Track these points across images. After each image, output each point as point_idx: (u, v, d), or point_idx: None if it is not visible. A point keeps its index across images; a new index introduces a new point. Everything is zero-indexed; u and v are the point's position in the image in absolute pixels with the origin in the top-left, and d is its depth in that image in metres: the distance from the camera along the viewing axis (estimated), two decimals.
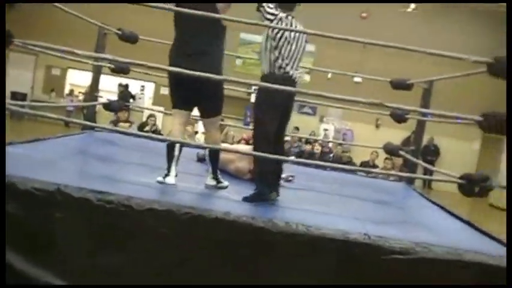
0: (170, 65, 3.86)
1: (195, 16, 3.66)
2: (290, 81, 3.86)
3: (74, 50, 3.49)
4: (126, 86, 16.74)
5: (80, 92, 17.35)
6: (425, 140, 14.59)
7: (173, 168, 3.87)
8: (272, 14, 3.83)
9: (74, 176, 3.57)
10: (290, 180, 5.12)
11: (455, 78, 4.93)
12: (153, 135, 7.44)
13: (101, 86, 6.36)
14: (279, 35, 3.85)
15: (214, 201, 3.61)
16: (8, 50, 3.30)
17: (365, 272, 3.07)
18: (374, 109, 6.49)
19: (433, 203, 5.11)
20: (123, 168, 4.42)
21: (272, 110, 3.85)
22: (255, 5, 3.93)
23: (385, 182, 6.42)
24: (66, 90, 18.13)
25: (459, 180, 3.43)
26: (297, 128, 16.03)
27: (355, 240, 3.07)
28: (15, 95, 15.68)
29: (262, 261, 3.08)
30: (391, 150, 6.09)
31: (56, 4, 4.15)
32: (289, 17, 3.91)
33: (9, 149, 3.46)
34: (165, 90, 11.39)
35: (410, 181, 6.15)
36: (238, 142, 9.36)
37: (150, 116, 11.78)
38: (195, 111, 4.20)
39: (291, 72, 3.89)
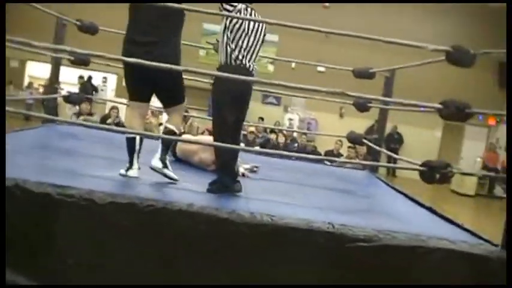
0: (123, 54, 3.77)
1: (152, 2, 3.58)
2: (246, 72, 3.82)
3: (31, 42, 3.39)
4: (90, 78, 16.51)
5: (39, 85, 16.98)
6: (389, 129, 14.82)
7: (135, 161, 3.82)
8: (231, 5, 3.79)
9: (33, 170, 3.49)
10: (255, 171, 5.12)
11: (416, 67, 4.99)
12: (115, 128, 7.34)
13: (62, 79, 6.24)
14: (237, 26, 3.80)
15: (178, 194, 3.57)
16: None
17: (330, 260, 3.09)
18: (337, 98, 6.54)
19: (397, 190, 5.19)
20: (85, 161, 4.34)
21: (229, 101, 3.81)
22: None
23: (349, 171, 6.48)
24: (25, 83, 17.72)
25: (420, 168, 3.48)
26: (261, 118, 16.07)
27: (319, 229, 3.08)
28: None
29: (227, 252, 3.07)
30: (354, 139, 6.14)
31: None
32: (249, 9, 3.87)
33: None
34: None
35: (374, 169, 6.21)
36: (202, 133, 9.31)
37: (113, 108, 11.61)
38: (159, 103, 4.15)
39: (248, 64, 3.86)
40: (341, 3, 16.65)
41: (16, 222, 2.97)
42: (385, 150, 6.05)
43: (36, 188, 3.00)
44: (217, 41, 4.01)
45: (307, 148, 12.66)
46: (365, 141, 6.05)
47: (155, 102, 4.31)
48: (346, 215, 3.66)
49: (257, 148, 10.41)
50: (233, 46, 3.82)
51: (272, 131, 13.19)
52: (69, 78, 14.13)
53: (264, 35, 3.98)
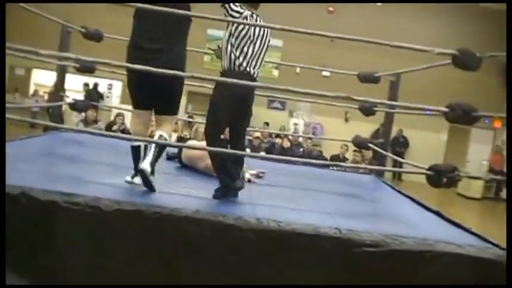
0: (127, 60, 3.73)
1: (159, 6, 3.54)
2: (249, 78, 3.80)
3: (37, 50, 3.39)
4: (96, 85, 16.55)
5: (45, 92, 17.02)
6: (394, 132, 14.77)
7: None
8: (237, 12, 3.77)
9: (39, 178, 3.49)
10: (261, 177, 5.11)
11: (422, 71, 4.99)
12: (119, 135, 7.34)
13: (68, 86, 6.24)
14: (243, 33, 3.79)
15: (184, 200, 3.56)
16: None
17: (337, 265, 3.08)
18: (343, 103, 6.53)
19: (403, 194, 5.16)
20: (90, 168, 4.34)
21: (225, 106, 3.81)
22: None
23: (355, 175, 6.45)
24: (31, 91, 17.77)
25: (427, 172, 3.46)
26: (266, 123, 16.07)
27: (326, 235, 3.07)
28: None
29: (234, 258, 3.06)
30: (360, 143, 6.13)
31: (21, 4, 4.06)
32: (254, 15, 3.86)
33: None
34: None
35: (380, 173, 6.19)
36: None
37: (118, 115, 11.62)
38: None
39: (252, 71, 3.85)
40: (344, 7, 16.64)
41: (22, 230, 2.97)
42: (391, 155, 6.03)
43: (42, 195, 3.00)
44: (219, 47, 3.99)
45: (313, 153, 12.63)
46: (371, 145, 6.03)
47: None
48: (352, 219, 3.64)
49: (262, 153, 10.40)
50: (237, 53, 3.80)
51: (277, 136, 13.19)
52: (74, 86, 14.17)
53: (269, 41, 3.97)
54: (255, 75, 3.88)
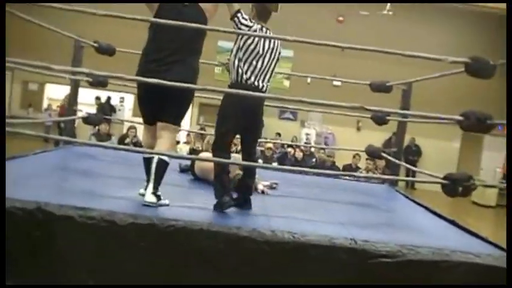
0: (138, 75, 3.71)
1: (174, 18, 3.54)
2: (256, 91, 3.77)
3: (50, 65, 3.42)
4: (109, 98, 16.66)
5: (57, 106, 17.16)
6: (407, 141, 14.70)
7: None
8: (246, 26, 3.78)
9: (54, 192, 3.51)
10: (274, 188, 5.10)
11: (434, 80, 4.96)
12: (131, 147, 7.36)
13: (80, 100, 6.28)
14: (251, 47, 3.78)
15: (198, 213, 3.56)
16: None
17: (353, 276, 3.06)
18: (354, 112, 6.51)
19: (417, 203, 5.13)
20: (104, 182, 4.35)
21: (230, 118, 3.80)
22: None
23: (368, 185, 6.42)
24: (44, 105, 17.93)
25: (443, 181, 3.44)
26: (278, 134, 16.07)
27: (341, 246, 3.06)
28: None
29: (248, 270, 3.05)
30: (372, 153, 6.10)
31: (32, 19, 4.10)
32: (264, 28, 3.86)
33: None
34: None
35: (393, 182, 6.16)
36: None
37: (131, 128, 11.68)
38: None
39: (260, 85, 3.84)
40: (354, 17, 16.65)
41: (38, 244, 2.99)
42: (404, 164, 6.00)
43: (58, 210, 3.01)
44: (229, 60, 3.98)
45: (326, 163, 12.59)
46: (383, 154, 6.01)
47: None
48: (367, 230, 3.62)
49: (275, 164, 10.38)
50: (245, 68, 3.78)
51: (289, 146, 13.17)
52: (87, 99, 14.26)
53: (279, 53, 3.96)
54: (264, 88, 3.87)
